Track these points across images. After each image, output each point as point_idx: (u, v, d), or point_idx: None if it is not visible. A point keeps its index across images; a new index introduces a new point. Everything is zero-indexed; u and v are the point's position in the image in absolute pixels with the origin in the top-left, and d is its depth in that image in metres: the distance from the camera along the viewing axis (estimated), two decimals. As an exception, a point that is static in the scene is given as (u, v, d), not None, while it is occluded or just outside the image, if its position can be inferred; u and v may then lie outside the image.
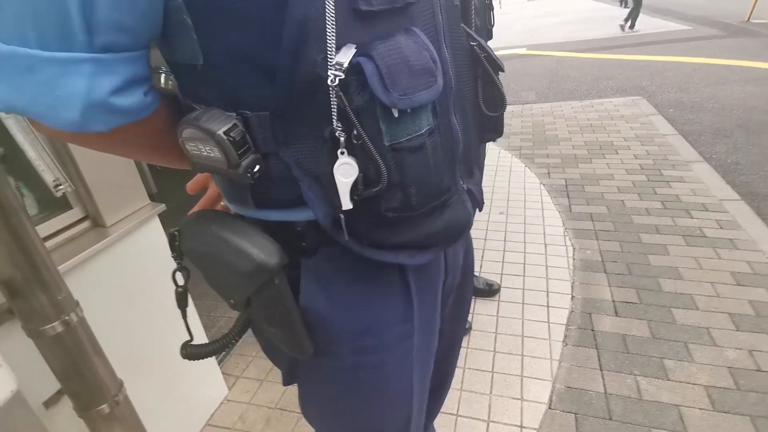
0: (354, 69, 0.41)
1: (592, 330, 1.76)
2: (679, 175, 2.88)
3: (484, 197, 0.71)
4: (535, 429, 1.40)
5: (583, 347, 1.69)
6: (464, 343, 1.77)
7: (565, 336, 1.76)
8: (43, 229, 1.09)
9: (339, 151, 0.44)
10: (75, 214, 1.17)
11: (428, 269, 0.61)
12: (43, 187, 1.11)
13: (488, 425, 1.43)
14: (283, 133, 0.47)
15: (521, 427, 1.41)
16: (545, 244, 2.36)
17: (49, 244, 1.09)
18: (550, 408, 1.47)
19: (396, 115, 0.44)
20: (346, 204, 0.46)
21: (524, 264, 2.22)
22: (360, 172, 0.45)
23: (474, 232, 2.06)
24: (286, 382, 0.70)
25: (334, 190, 0.45)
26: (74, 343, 0.88)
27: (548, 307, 1.93)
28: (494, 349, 1.74)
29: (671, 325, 1.74)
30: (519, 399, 1.51)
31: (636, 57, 6.44)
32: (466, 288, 0.78)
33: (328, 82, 0.41)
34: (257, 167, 0.47)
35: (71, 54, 0.37)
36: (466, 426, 1.44)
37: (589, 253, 2.24)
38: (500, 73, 0.61)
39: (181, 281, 0.59)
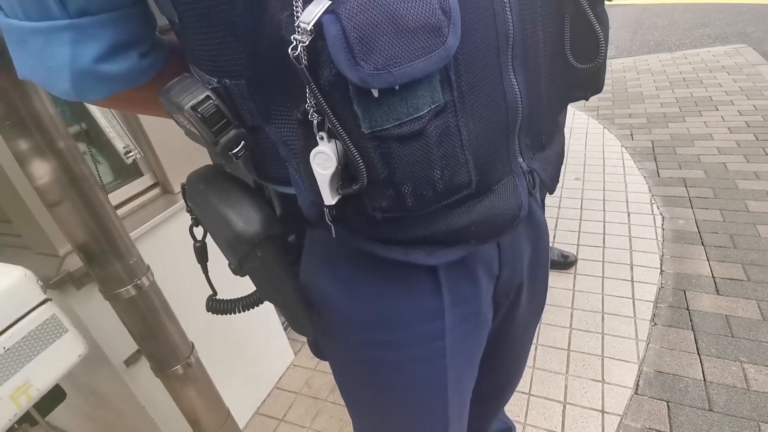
0: (321, 30, 0.31)
1: (687, 309, 1.57)
2: (797, 133, 2.46)
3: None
4: (619, 415, 1.27)
5: (677, 328, 1.51)
6: (536, 318, 1.65)
7: (654, 314, 1.58)
8: (118, 195, 1.12)
9: (318, 135, 0.36)
10: (146, 181, 1.19)
11: (468, 261, 0.50)
12: (117, 156, 1.14)
13: (564, 407, 1.33)
14: (264, 106, 0.39)
15: (602, 411, 1.29)
16: (628, 213, 2.14)
17: (124, 209, 1.12)
18: (636, 393, 1.33)
19: (376, 95, 0.33)
20: (327, 199, 0.38)
21: (604, 234, 2.02)
22: (339, 164, 0.36)
23: (547, 200, 1.90)
24: (314, 352, 0.64)
25: (315, 180, 0.38)
26: (147, 306, 0.89)
27: (632, 281, 1.74)
28: (570, 325, 1.60)
29: (787, 306, 1.50)
30: (599, 381, 1.38)
31: (738, 0, 5.58)
32: (538, 282, 0.65)
33: (289, 50, 0.32)
34: (241, 144, 0.40)
35: (50, 23, 0.35)
36: (540, 406, 1.34)
37: (682, 223, 1.99)
38: (605, 3, 0.44)
39: (199, 236, 0.55)
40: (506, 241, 0.53)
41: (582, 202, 2.28)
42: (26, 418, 0.83)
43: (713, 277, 1.67)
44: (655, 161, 2.50)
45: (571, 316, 1.64)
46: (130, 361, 1.07)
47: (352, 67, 0.31)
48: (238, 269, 0.48)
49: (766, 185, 2.10)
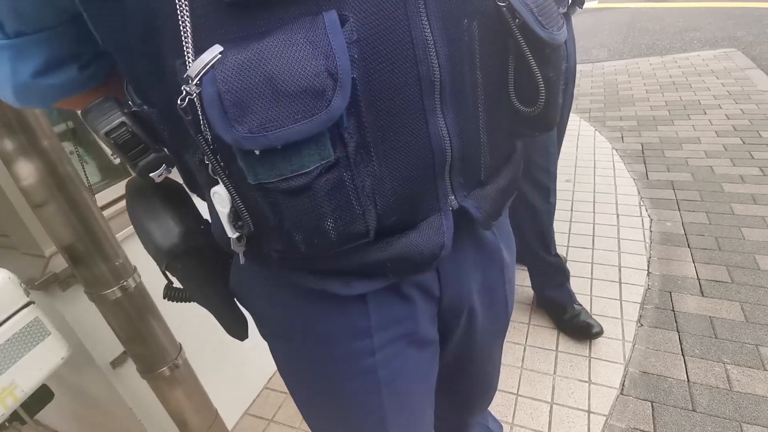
0: None
1: (673, 310, 1.59)
2: (783, 137, 2.50)
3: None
4: (605, 415, 1.29)
5: (662, 329, 1.53)
6: (525, 319, 1.66)
7: (640, 316, 1.60)
8: (106, 195, 1.12)
9: (215, 176, 0.37)
10: (134, 181, 1.18)
11: (397, 283, 0.48)
12: (104, 156, 1.13)
13: (551, 407, 1.34)
14: (177, 136, 0.40)
15: (588, 411, 1.31)
16: (617, 215, 2.16)
17: (111, 210, 1.12)
18: (622, 393, 1.34)
19: (257, 152, 0.33)
20: (230, 232, 0.39)
21: (593, 236, 2.04)
22: (233, 206, 0.38)
23: (537, 202, 1.91)
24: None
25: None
26: (133, 308, 0.89)
27: (620, 283, 1.76)
28: (558, 326, 1.62)
29: (770, 308, 1.53)
30: (586, 381, 1.40)
31: (729, 4, 5.64)
32: (496, 305, 0.62)
33: (178, 101, 0.32)
34: (162, 167, 0.42)
35: None
36: (527, 406, 1.36)
37: (669, 225, 2.01)
38: (549, 48, 0.40)
39: None
40: (447, 265, 0.51)
41: (572, 203, 2.30)
42: (16, 417, 0.83)
43: (698, 278, 1.70)
44: (645, 164, 2.53)
45: (560, 317, 1.66)
46: (116, 363, 1.07)
47: (227, 129, 0.31)
48: (165, 276, 0.51)
49: (752, 188, 2.13)
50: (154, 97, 0.39)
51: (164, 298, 0.58)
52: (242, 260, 0.44)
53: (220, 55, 0.31)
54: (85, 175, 1.05)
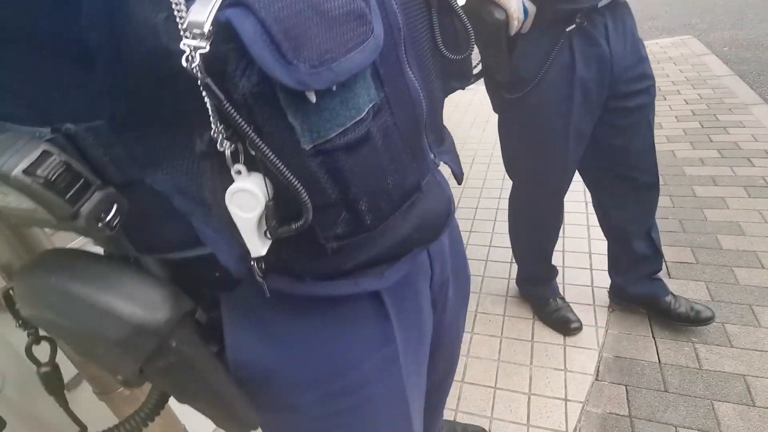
0: (225, 31, 0.25)
1: (642, 294, 1.62)
2: (738, 120, 2.58)
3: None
4: (581, 402, 1.30)
5: (632, 313, 1.55)
6: (500, 311, 1.66)
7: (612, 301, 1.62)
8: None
9: (234, 169, 0.29)
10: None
11: (410, 274, 0.48)
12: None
13: (529, 398, 1.34)
14: (142, 148, 0.30)
15: (565, 399, 1.31)
16: (585, 202, 2.18)
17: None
18: (597, 379, 1.36)
19: (314, 99, 0.28)
20: (255, 249, 0.31)
21: (564, 224, 2.06)
22: (271, 199, 0.30)
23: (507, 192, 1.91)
24: None
25: (235, 227, 0.31)
26: (84, 327, 0.84)
27: (591, 269, 1.79)
28: (533, 316, 1.62)
29: (733, 286, 1.57)
30: (562, 370, 1.40)
31: (683, -8, 5.84)
32: (460, 271, 0.62)
33: (183, 62, 0.24)
34: (114, 208, 0.30)
35: None
36: (506, 399, 1.35)
37: (635, 211, 2.05)
38: None
39: (45, 356, 0.41)
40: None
41: (542, 193, 2.32)
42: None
43: (665, 261, 1.73)
44: (610, 151, 2.58)
45: (534, 307, 1.66)
46: (70, 386, 1.00)
47: (284, 67, 0.26)
48: (134, 379, 0.35)
49: (711, 171, 2.19)
50: (100, 99, 0.28)
51: None
52: (268, 292, 0.35)
53: None
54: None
